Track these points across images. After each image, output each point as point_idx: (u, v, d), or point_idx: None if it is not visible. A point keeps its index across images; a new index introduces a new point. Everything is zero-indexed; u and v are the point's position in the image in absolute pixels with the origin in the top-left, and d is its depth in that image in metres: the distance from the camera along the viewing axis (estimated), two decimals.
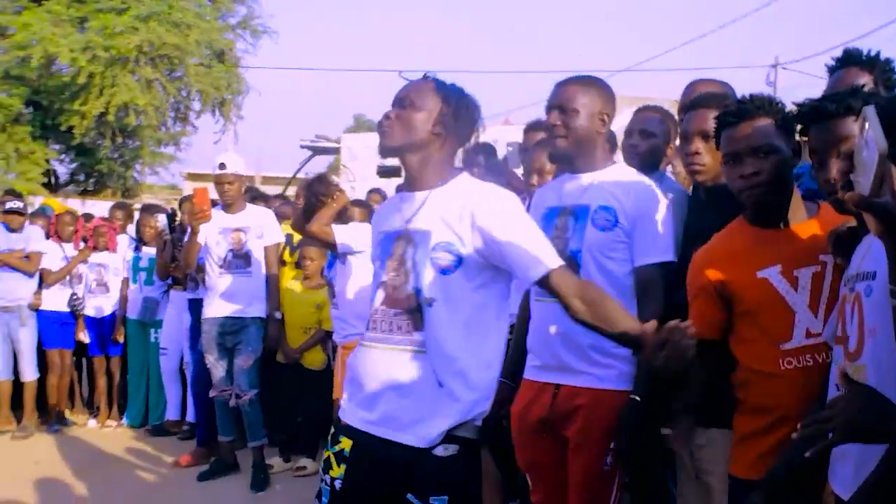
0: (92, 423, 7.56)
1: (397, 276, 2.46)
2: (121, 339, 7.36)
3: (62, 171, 18.68)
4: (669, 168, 4.02)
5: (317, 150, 16.19)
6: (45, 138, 17.03)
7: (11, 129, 16.49)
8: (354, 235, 4.69)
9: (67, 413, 7.54)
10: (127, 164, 19.07)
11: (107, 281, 7.43)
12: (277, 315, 5.93)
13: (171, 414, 7.24)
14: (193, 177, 17.56)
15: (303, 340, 6.09)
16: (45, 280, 7.27)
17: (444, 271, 2.38)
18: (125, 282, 7.38)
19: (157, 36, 16.09)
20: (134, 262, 7.31)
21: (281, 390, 6.19)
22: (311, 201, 4.52)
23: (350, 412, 2.53)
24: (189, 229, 5.71)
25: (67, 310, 7.31)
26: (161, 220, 6.97)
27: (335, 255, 4.94)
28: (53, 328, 7.30)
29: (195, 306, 6.35)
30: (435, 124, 2.46)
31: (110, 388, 7.59)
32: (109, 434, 7.27)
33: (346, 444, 2.51)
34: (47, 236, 7.41)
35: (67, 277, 7.34)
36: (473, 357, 2.40)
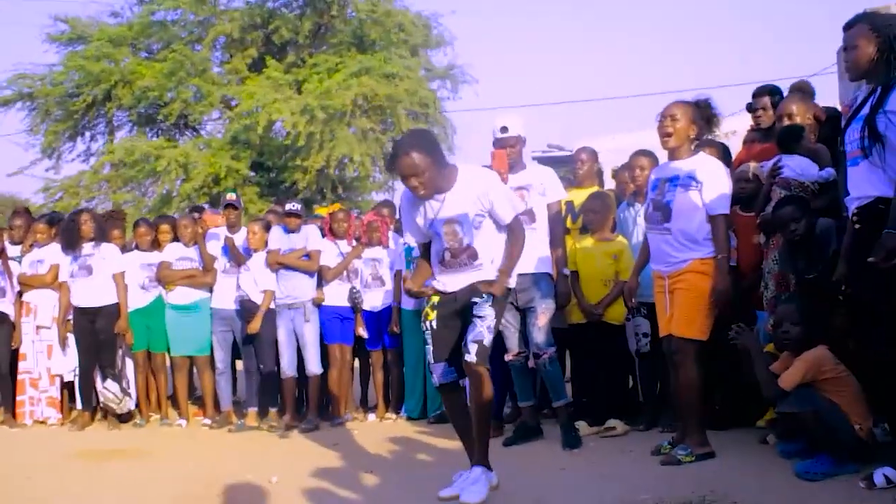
0: (371, 417, 7.67)
1: None
2: (397, 331, 7.46)
3: None
4: None
5: (548, 161, 16.39)
6: (271, 196, 17.89)
7: (242, 190, 17.41)
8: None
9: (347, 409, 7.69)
10: None
11: (382, 275, 7.60)
12: (565, 270, 5.86)
13: None
14: None
15: (603, 294, 5.97)
16: (324, 277, 7.49)
17: None
18: (398, 274, 7.51)
19: (370, 88, 16.71)
20: (406, 252, 7.43)
21: (577, 351, 6.10)
22: None
23: None
24: None
25: (347, 304, 7.50)
26: None
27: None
28: (334, 323, 7.49)
29: None
30: None
31: (387, 382, 7.72)
32: (392, 426, 7.33)
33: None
34: (322, 235, 7.66)
35: (344, 273, 7.54)
36: None
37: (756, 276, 5.41)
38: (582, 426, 5.88)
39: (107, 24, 18.41)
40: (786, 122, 5.40)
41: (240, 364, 7.96)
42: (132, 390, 7.78)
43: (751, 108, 6.25)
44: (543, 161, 18.00)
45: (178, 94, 17.57)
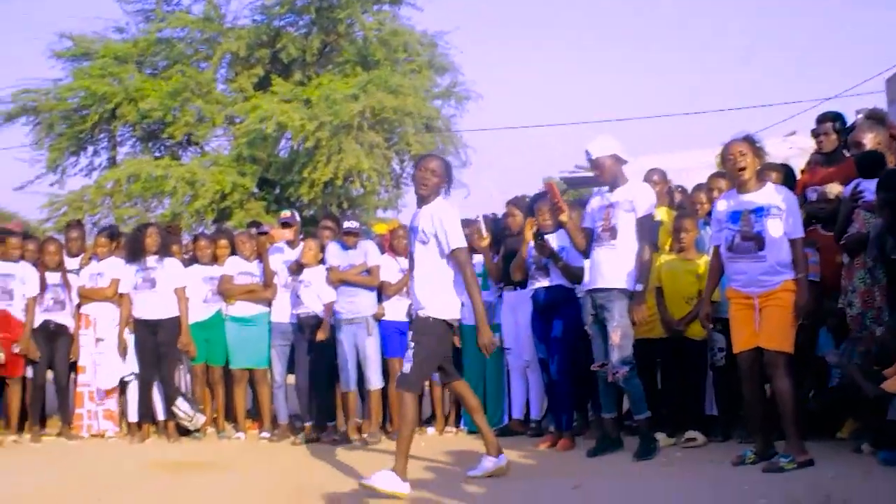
0: (430, 430, 7.80)
1: None
2: (458, 345, 7.59)
3: None
4: None
5: (576, 182, 16.68)
6: (277, 212, 17.94)
7: (248, 204, 17.47)
8: None
9: None
10: None
11: None
12: (639, 287, 5.85)
13: (516, 413, 7.40)
14: None
15: (686, 311, 6.16)
16: (384, 292, 7.63)
17: None
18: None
19: (378, 101, 16.78)
20: None
21: (658, 364, 6.27)
22: None
23: None
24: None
25: (406, 319, 7.62)
26: (482, 225, 7.34)
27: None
28: (394, 338, 7.60)
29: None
30: None
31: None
32: (453, 440, 7.46)
33: None
34: (382, 251, 7.79)
35: (405, 288, 7.67)
36: None
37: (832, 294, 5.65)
38: (661, 437, 6.06)
39: (112, 41, 18.32)
40: (857, 149, 5.66)
41: (291, 378, 8.06)
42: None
43: (814, 133, 6.50)
44: (571, 182, 18.39)
45: (183, 114, 17.60)
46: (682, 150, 12.75)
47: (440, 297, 5.35)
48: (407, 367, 5.31)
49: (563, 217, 6.00)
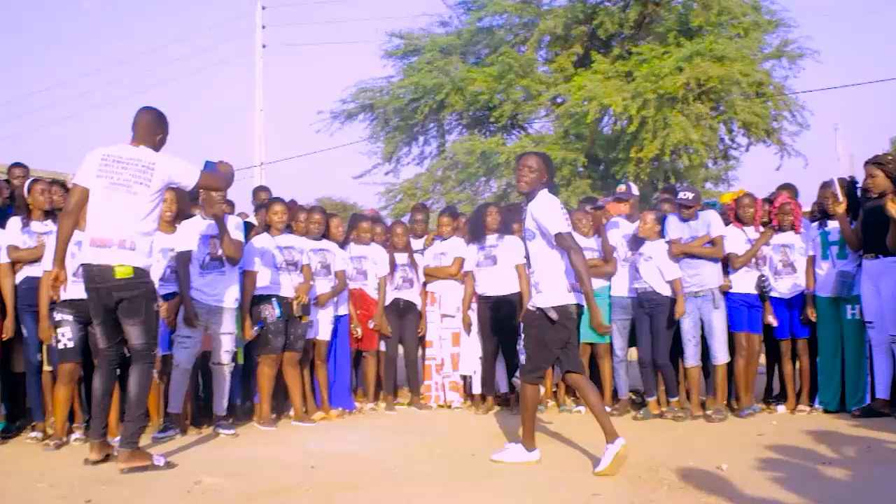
0: (780, 408, 7.41)
1: None
2: (813, 318, 7.13)
3: None
4: None
5: None
6: (602, 189, 17.85)
7: (574, 183, 17.53)
8: None
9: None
10: None
11: (793, 261, 7.31)
12: None
13: (880, 392, 6.79)
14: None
15: None
16: (731, 264, 7.30)
17: None
18: (810, 260, 7.20)
19: (702, 71, 16.14)
20: (822, 237, 7.12)
21: None
22: None
23: None
24: None
25: (755, 292, 7.27)
26: (837, 188, 6.82)
27: None
28: (741, 311, 7.28)
29: None
30: None
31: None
32: (807, 419, 7.00)
33: None
34: (727, 222, 7.44)
35: (753, 260, 7.31)
36: None
37: None
38: None
39: (437, 35, 19.14)
40: None
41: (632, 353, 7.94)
42: None
43: None
44: None
45: (508, 95, 17.94)
46: None
47: (546, 287, 5.34)
48: (522, 359, 5.47)
49: None
